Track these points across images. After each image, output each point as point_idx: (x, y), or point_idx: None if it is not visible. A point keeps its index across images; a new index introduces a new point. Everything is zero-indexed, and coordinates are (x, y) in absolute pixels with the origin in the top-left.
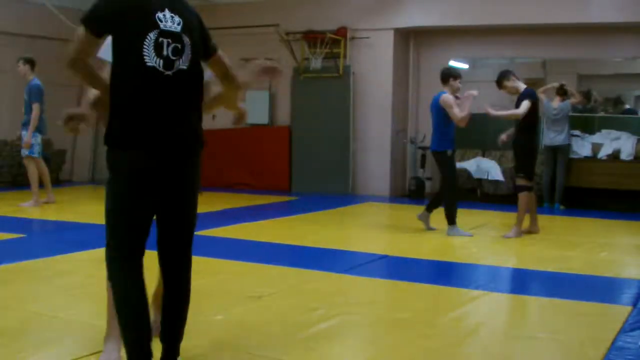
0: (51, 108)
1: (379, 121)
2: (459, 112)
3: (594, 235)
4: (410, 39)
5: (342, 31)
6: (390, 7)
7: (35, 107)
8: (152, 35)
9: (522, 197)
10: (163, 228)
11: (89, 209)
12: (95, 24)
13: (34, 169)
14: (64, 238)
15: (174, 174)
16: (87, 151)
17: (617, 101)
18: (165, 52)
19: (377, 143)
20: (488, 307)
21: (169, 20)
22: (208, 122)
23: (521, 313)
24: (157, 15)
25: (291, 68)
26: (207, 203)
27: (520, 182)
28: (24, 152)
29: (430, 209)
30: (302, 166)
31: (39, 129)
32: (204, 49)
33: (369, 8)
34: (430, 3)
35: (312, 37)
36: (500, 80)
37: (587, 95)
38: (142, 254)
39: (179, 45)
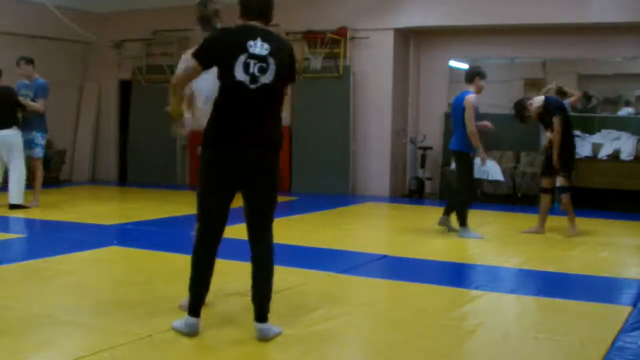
0: (51, 108)
1: (379, 121)
2: (471, 123)
3: (594, 235)
4: (410, 39)
5: (342, 31)
6: (390, 7)
7: (42, 102)
8: (242, 58)
9: (564, 198)
10: (248, 209)
11: (89, 209)
12: (204, 58)
13: (40, 169)
14: (64, 238)
15: (253, 167)
16: (87, 151)
17: (622, 102)
18: (251, 70)
19: (377, 143)
20: (488, 307)
21: (258, 47)
22: None
23: (521, 313)
24: (248, 43)
25: None
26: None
27: (566, 183)
28: (38, 154)
29: (448, 212)
30: (302, 166)
31: (44, 129)
32: (289, 72)
33: (369, 8)
34: (430, 3)
35: (312, 37)
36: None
37: (586, 97)
38: (222, 229)
39: (264, 65)
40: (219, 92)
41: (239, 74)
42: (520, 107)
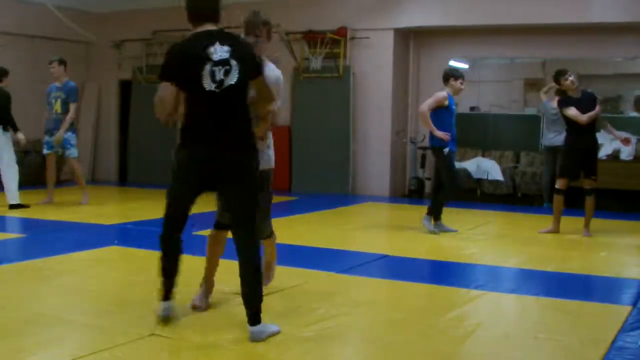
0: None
1: (379, 121)
2: (430, 104)
3: (594, 235)
4: (410, 39)
5: (342, 31)
6: (390, 7)
7: (74, 107)
8: (207, 67)
9: (590, 200)
10: (229, 214)
11: (89, 209)
12: (171, 76)
13: (79, 167)
14: (64, 238)
15: (224, 170)
16: (87, 151)
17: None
18: (217, 77)
19: (377, 143)
20: (488, 307)
21: (219, 52)
22: None
23: (521, 313)
24: (208, 50)
25: (291, 68)
26: (207, 203)
27: (592, 184)
28: (73, 153)
29: (437, 216)
30: (302, 166)
31: (74, 129)
32: (253, 67)
33: (369, 8)
34: (430, 3)
35: (312, 37)
36: (557, 77)
37: None
38: (183, 220)
39: (228, 67)
40: (187, 100)
41: (207, 84)
42: (558, 74)
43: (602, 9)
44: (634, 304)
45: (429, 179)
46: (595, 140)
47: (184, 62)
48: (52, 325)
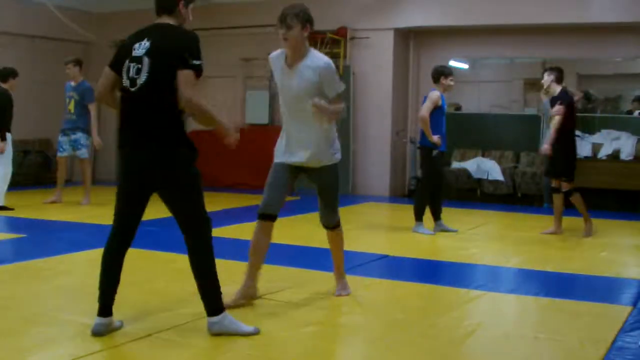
0: (51, 107)
1: (379, 121)
2: (428, 107)
3: (594, 235)
4: (410, 39)
5: (342, 31)
6: (390, 7)
7: (93, 107)
8: (127, 62)
9: (576, 197)
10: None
11: (89, 209)
12: (114, 65)
13: (88, 168)
14: (64, 238)
15: (151, 171)
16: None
17: (617, 102)
18: (131, 74)
19: (377, 143)
20: (488, 307)
21: (140, 48)
22: None
23: (521, 313)
24: (134, 46)
25: None
26: (207, 203)
27: (569, 186)
28: (84, 154)
29: (437, 216)
30: None
31: (87, 130)
32: (172, 66)
33: (369, 8)
34: (430, 3)
35: (312, 37)
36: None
37: (586, 97)
38: (131, 231)
39: (140, 66)
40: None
41: (124, 80)
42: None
43: (601, 9)
44: (634, 304)
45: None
46: (564, 140)
47: (119, 53)
48: (52, 325)
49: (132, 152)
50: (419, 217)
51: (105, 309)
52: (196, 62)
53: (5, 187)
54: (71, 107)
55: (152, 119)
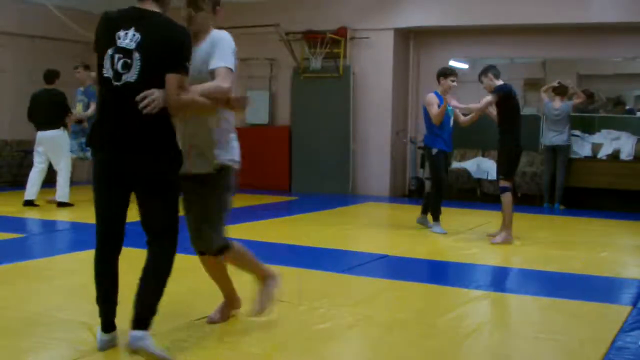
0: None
1: (379, 121)
2: (434, 110)
3: (594, 235)
4: (410, 39)
5: (342, 31)
6: (390, 7)
7: (94, 105)
8: (110, 51)
9: (505, 198)
10: (141, 222)
11: (89, 209)
12: (94, 46)
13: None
14: (64, 238)
15: (128, 173)
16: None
17: (618, 101)
18: (115, 66)
19: (377, 143)
20: (488, 307)
21: (128, 39)
22: None
23: (521, 313)
24: (118, 33)
25: (291, 68)
26: None
27: (502, 183)
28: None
29: (425, 210)
30: (302, 166)
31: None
32: (165, 65)
33: (369, 8)
34: (430, 3)
35: (312, 37)
36: (480, 75)
37: (590, 96)
38: (118, 236)
39: (128, 60)
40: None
41: (106, 70)
42: (482, 71)
43: (602, 9)
44: (634, 304)
45: (429, 178)
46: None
47: (98, 38)
48: (52, 325)
49: (112, 154)
50: (435, 217)
51: (108, 324)
52: (188, 65)
53: (68, 182)
54: (79, 110)
55: (138, 120)
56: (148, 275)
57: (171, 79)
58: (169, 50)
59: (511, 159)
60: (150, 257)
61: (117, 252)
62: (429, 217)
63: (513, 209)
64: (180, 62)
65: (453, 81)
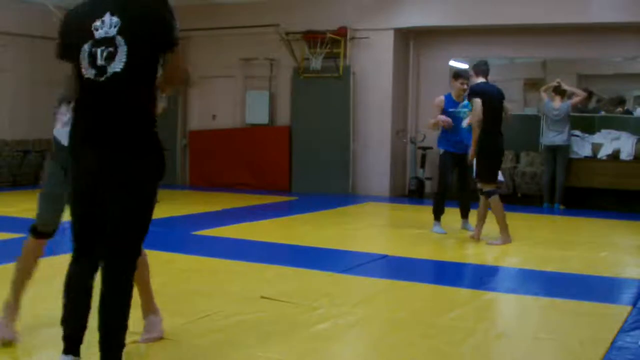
0: (51, 107)
1: (379, 121)
2: (433, 115)
3: (594, 235)
4: (410, 39)
5: (342, 31)
6: (390, 7)
7: None
8: (86, 47)
9: (494, 201)
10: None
11: None
12: (59, 52)
13: None
14: (64, 238)
15: (106, 173)
16: None
17: (618, 101)
18: (98, 62)
19: (377, 143)
20: (488, 307)
21: (106, 26)
22: (208, 122)
23: (521, 313)
24: (94, 24)
25: (291, 68)
26: (207, 203)
27: (486, 187)
28: None
29: (464, 215)
30: (302, 166)
31: None
32: (155, 43)
33: (369, 8)
34: (430, 3)
35: (312, 37)
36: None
37: (589, 94)
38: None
39: (112, 49)
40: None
41: (85, 69)
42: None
43: (602, 9)
44: (634, 304)
45: (429, 178)
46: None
47: (66, 36)
48: (52, 325)
49: (94, 151)
50: (436, 216)
51: (72, 345)
52: (177, 36)
53: None
54: None
55: (122, 116)
56: (102, 304)
57: (176, 52)
58: (157, 27)
59: (492, 163)
60: (104, 280)
61: (91, 253)
62: (469, 220)
63: (504, 208)
64: (170, 32)
65: (462, 84)
